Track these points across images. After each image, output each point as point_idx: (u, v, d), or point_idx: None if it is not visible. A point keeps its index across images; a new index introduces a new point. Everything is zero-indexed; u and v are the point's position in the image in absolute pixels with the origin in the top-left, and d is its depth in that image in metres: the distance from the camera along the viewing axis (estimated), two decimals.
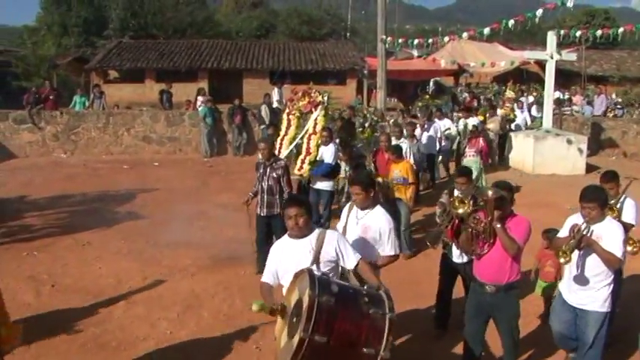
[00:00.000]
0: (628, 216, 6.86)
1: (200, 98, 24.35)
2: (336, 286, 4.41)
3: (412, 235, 11.40)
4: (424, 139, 16.20)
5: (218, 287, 9.15)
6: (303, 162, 12.78)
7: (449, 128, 17.66)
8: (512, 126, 20.72)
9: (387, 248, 6.11)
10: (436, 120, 17.54)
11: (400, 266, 10.55)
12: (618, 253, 5.71)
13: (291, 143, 13.59)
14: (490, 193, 5.84)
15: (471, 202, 6.05)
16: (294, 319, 4.43)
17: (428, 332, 7.73)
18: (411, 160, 13.16)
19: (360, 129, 17.14)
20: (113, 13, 45.20)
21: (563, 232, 6.24)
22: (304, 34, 52.27)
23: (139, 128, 22.50)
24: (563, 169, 17.83)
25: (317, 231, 5.34)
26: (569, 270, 6.10)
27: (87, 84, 31.67)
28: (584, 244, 5.73)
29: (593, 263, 5.88)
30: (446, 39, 23.30)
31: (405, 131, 15.13)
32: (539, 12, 18.31)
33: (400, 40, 24.42)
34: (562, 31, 20.03)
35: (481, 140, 15.12)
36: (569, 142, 18.38)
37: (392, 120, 18.31)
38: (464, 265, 7.26)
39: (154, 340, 7.55)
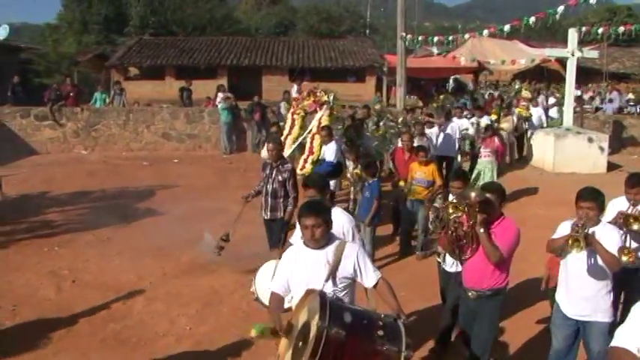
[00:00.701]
0: None
1: (219, 95, 24.40)
2: (349, 316, 4.08)
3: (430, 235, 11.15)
4: (440, 140, 15.62)
5: (237, 284, 9.15)
6: (305, 161, 12.74)
7: (467, 128, 17.02)
8: (527, 124, 20.47)
9: (369, 275, 4.92)
10: (454, 119, 16.88)
11: (418, 265, 10.60)
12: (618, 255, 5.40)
13: (294, 143, 13.50)
14: (473, 195, 5.57)
15: (466, 208, 5.61)
16: (300, 344, 4.16)
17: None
18: None
19: (374, 127, 16.56)
20: (133, 10, 45.49)
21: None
22: (323, 31, 52.30)
23: (159, 125, 22.58)
24: (584, 168, 17.64)
25: (336, 242, 4.90)
26: (566, 279, 5.77)
27: (107, 81, 31.82)
28: (590, 240, 5.34)
29: (596, 268, 5.52)
30: (466, 36, 23.20)
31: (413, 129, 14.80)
32: (561, 9, 18.10)
33: (420, 38, 24.30)
34: (583, 28, 19.86)
35: (496, 139, 14.64)
36: (590, 140, 18.20)
37: (400, 119, 17.85)
38: (455, 274, 6.78)
39: (173, 337, 7.60)
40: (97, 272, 9.77)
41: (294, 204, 8.97)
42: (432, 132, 15.40)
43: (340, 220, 5.79)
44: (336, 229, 5.39)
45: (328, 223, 4.86)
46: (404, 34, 23.36)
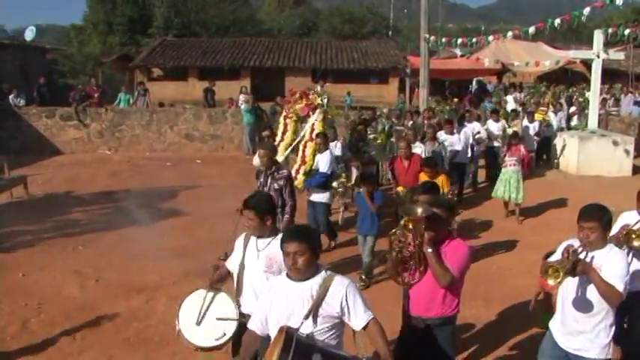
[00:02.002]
0: None
1: (242, 97, 24.46)
2: (319, 358, 3.78)
3: None
4: (457, 146, 14.96)
5: None
6: (297, 172, 11.65)
7: (479, 132, 16.59)
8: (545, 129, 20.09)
9: (358, 316, 4.26)
10: (466, 124, 16.43)
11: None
12: (620, 287, 4.65)
13: (286, 149, 12.54)
14: (419, 211, 4.98)
15: (411, 225, 5.03)
16: None
17: (467, 336, 7.68)
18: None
19: (372, 136, 15.32)
20: (157, 11, 45.78)
21: (556, 257, 5.44)
22: (346, 32, 52.34)
23: (182, 126, 22.71)
24: (609, 171, 17.49)
25: (322, 274, 4.28)
26: (562, 307, 5.09)
27: (131, 81, 32.07)
28: (580, 268, 4.63)
29: (592, 298, 4.81)
30: (490, 38, 23.09)
31: (423, 134, 14.53)
32: (587, 10, 17.93)
33: (443, 39, 24.23)
34: (609, 30, 19.66)
35: (522, 148, 13.80)
36: (615, 143, 18.03)
37: (410, 122, 17.35)
38: None
39: None
40: (120, 271, 9.85)
41: (291, 213, 8.61)
42: (454, 139, 14.88)
43: None
44: (279, 259, 4.78)
45: (314, 250, 4.24)
46: (427, 35, 23.31)
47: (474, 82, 34.61)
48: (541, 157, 19.44)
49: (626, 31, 19.68)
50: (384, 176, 15.37)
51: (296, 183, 11.03)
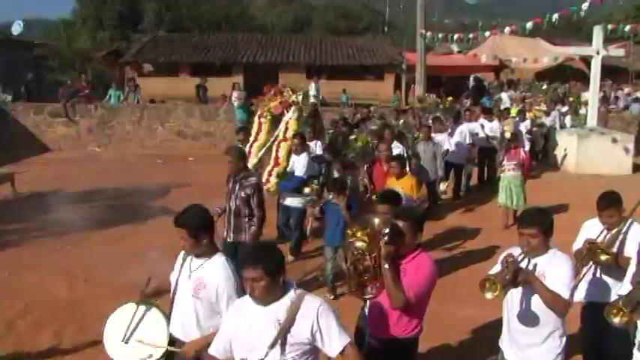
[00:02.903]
0: (631, 248, 5.43)
1: (235, 93, 24.44)
2: None
3: None
4: (451, 146, 14.82)
5: None
6: (270, 174, 11.05)
7: (477, 133, 16.20)
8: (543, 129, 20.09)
9: (333, 341, 3.93)
10: (465, 123, 16.17)
11: (440, 267, 10.53)
12: (565, 294, 4.47)
13: (260, 150, 11.85)
14: (377, 222, 4.66)
15: (368, 238, 4.62)
16: None
17: (465, 338, 7.68)
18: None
19: (352, 137, 14.01)
20: (148, 6, 45.72)
21: (578, 243, 5.81)
22: (341, 28, 52.35)
23: (174, 123, 22.69)
24: (608, 169, 17.45)
25: (290, 295, 3.95)
26: (508, 320, 4.88)
27: (121, 77, 32.04)
28: (521, 278, 4.48)
29: (537, 309, 4.61)
30: (487, 34, 23.12)
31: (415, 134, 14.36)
32: (585, 5, 17.93)
33: (440, 35, 24.25)
34: (609, 26, 19.66)
35: (522, 151, 13.34)
36: (614, 140, 18.01)
37: (401, 121, 16.81)
38: None
39: None
40: (109, 272, 9.79)
41: (258, 225, 8.10)
42: (443, 138, 14.63)
43: (217, 275, 4.72)
44: (209, 287, 4.66)
45: (274, 275, 3.85)
46: (423, 31, 23.36)
47: (471, 79, 34.59)
48: (534, 156, 19.12)
49: (627, 28, 19.70)
50: (360, 182, 14.13)
51: (268, 186, 10.77)
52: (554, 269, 4.55)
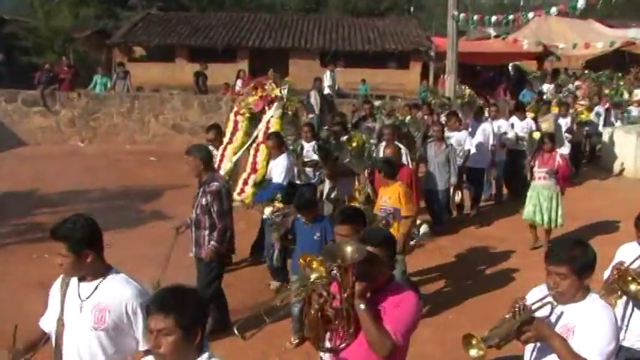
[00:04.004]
0: None
1: (239, 82, 24.36)
2: None
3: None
4: (472, 147, 14.28)
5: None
6: (245, 182, 10.68)
7: (505, 132, 15.65)
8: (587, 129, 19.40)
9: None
10: (489, 120, 15.68)
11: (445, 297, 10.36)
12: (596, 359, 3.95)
13: (235, 154, 11.29)
14: (349, 251, 4.12)
15: (337, 273, 4.18)
16: None
17: None
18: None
19: (345, 138, 12.85)
20: None
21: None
22: (361, 8, 52.18)
23: (169, 115, 22.63)
24: None
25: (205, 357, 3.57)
26: None
27: (108, 62, 31.98)
28: (532, 333, 4.04)
29: None
30: (530, 15, 22.86)
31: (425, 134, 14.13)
32: None
33: (475, 17, 24.02)
34: None
35: (558, 156, 12.27)
36: None
37: (407, 117, 16.59)
38: None
39: None
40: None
41: (218, 239, 7.97)
42: (462, 137, 14.25)
43: (123, 294, 4.40)
44: (115, 310, 4.31)
45: (190, 330, 3.41)
46: (456, 12, 23.11)
47: (510, 68, 34.40)
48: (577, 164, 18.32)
49: None
50: (362, 191, 12.48)
51: (243, 197, 10.51)
52: (588, 325, 4.03)
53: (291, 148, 11.47)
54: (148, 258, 10.74)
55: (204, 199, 7.94)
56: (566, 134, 17.44)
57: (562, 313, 4.16)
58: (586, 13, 23.65)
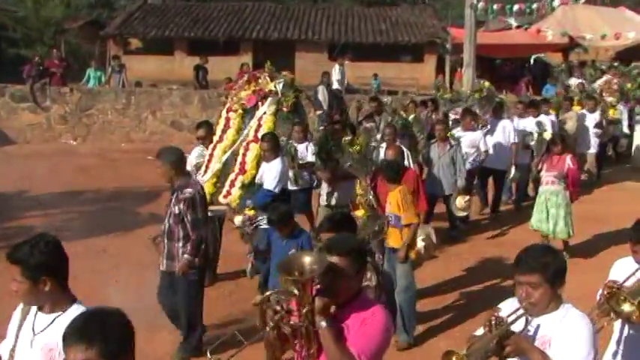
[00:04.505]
0: None
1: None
2: None
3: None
4: (489, 148, 13.97)
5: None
6: (232, 184, 10.20)
7: (530, 133, 15.29)
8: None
9: None
10: (514, 118, 15.59)
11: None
12: None
13: (225, 153, 10.79)
14: (307, 263, 3.91)
15: (295, 288, 3.87)
16: None
17: None
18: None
19: (346, 139, 11.65)
20: None
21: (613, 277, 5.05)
22: None
23: (167, 111, 22.62)
24: None
25: None
26: None
27: (103, 55, 32.05)
28: (511, 348, 3.97)
29: None
30: (555, 3, 22.75)
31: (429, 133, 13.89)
32: None
33: (495, 6, 23.93)
34: None
35: (568, 159, 11.80)
36: None
37: (412, 116, 16.21)
38: None
39: None
40: (87, 292, 9.50)
41: (192, 252, 7.72)
42: (477, 137, 13.92)
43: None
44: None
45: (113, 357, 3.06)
46: (474, 1, 23.05)
47: (532, 61, 34.23)
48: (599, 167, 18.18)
49: None
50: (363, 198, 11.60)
51: (229, 199, 10.12)
52: (565, 336, 4.03)
53: (284, 149, 11.15)
54: (144, 263, 10.75)
55: (176, 208, 7.75)
56: (595, 130, 17.24)
57: (538, 325, 4.13)
58: (617, 1, 23.49)
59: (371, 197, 9.89)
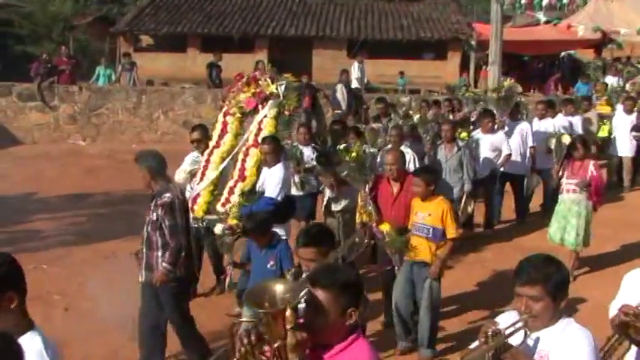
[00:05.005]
0: None
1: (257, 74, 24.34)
2: None
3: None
4: (512, 150, 13.71)
5: None
6: (231, 191, 9.80)
7: (553, 134, 14.63)
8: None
9: None
10: (535, 120, 15.29)
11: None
12: None
13: (223, 160, 10.32)
14: (279, 292, 3.62)
15: (267, 319, 3.55)
16: None
17: None
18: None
19: (343, 146, 10.92)
20: None
21: (616, 305, 4.61)
22: None
23: (180, 111, 22.70)
24: None
25: None
26: None
27: (113, 52, 32.16)
28: None
29: None
30: None
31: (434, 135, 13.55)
32: None
33: (523, 0, 23.90)
34: None
35: (591, 165, 11.14)
36: None
37: (416, 117, 15.80)
38: None
39: None
40: (97, 298, 9.72)
41: (171, 260, 7.49)
42: (499, 139, 13.62)
43: None
44: None
45: None
46: None
47: (562, 58, 34.08)
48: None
49: None
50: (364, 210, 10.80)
51: (227, 208, 9.59)
52: (564, 351, 3.93)
53: (289, 152, 11.08)
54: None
55: (154, 214, 7.59)
56: (634, 133, 16.81)
57: (537, 338, 4.04)
58: None
59: (370, 208, 9.43)
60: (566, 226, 11.00)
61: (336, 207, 10.78)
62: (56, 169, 18.11)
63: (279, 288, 3.63)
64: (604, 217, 12.65)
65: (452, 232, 8.31)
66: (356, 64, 26.16)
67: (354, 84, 23.76)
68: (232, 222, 9.20)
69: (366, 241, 9.01)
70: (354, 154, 10.30)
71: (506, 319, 4.09)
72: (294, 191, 11.30)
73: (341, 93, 21.63)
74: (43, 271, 10.85)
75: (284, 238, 8.40)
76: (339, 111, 21.25)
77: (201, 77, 27.10)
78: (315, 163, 11.17)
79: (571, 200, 11.07)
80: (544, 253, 4.17)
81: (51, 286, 10.14)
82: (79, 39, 36.30)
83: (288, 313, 3.45)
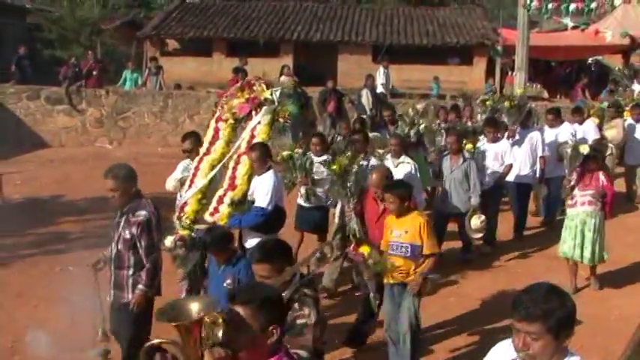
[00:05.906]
0: None
1: (283, 79, 24.30)
2: None
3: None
4: (513, 160, 13.24)
5: None
6: (220, 201, 9.35)
7: (565, 142, 13.32)
8: None
9: None
10: (545, 128, 14.93)
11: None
12: None
13: (213, 168, 9.88)
14: (196, 308, 3.69)
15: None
16: None
17: None
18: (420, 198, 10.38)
19: (323, 158, 10.80)
20: None
21: None
22: None
23: (205, 115, 22.60)
24: None
25: None
26: None
27: (139, 56, 32.21)
28: None
29: None
30: (617, 1, 22.42)
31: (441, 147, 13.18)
32: None
33: (550, 5, 23.68)
34: None
35: (601, 176, 10.91)
36: None
37: (423, 125, 14.69)
38: None
39: None
40: None
41: (147, 281, 7.23)
42: (503, 148, 13.15)
43: None
44: None
45: None
46: (528, 0, 22.87)
47: (590, 64, 33.78)
48: None
49: None
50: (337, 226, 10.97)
51: (216, 218, 9.14)
52: None
53: (298, 162, 10.53)
54: (173, 273, 10.73)
55: (127, 232, 7.27)
56: None
57: None
58: None
59: (354, 225, 9.13)
60: (583, 242, 10.60)
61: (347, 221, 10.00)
62: (83, 172, 18.11)
63: (194, 306, 3.61)
64: (627, 225, 12.49)
65: (430, 247, 7.87)
66: (381, 69, 26.05)
67: (380, 89, 23.64)
68: (184, 232, 8.94)
69: (337, 253, 8.85)
70: (334, 167, 9.90)
71: (504, 350, 3.88)
72: (300, 201, 11.23)
73: (366, 98, 21.52)
74: (69, 273, 10.82)
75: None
76: (363, 116, 21.10)
77: (226, 81, 27.05)
78: (325, 175, 10.59)
79: (586, 213, 10.69)
80: (547, 283, 3.77)
81: (77, 288, 10.09)
82: (106, 43, 36.44)
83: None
